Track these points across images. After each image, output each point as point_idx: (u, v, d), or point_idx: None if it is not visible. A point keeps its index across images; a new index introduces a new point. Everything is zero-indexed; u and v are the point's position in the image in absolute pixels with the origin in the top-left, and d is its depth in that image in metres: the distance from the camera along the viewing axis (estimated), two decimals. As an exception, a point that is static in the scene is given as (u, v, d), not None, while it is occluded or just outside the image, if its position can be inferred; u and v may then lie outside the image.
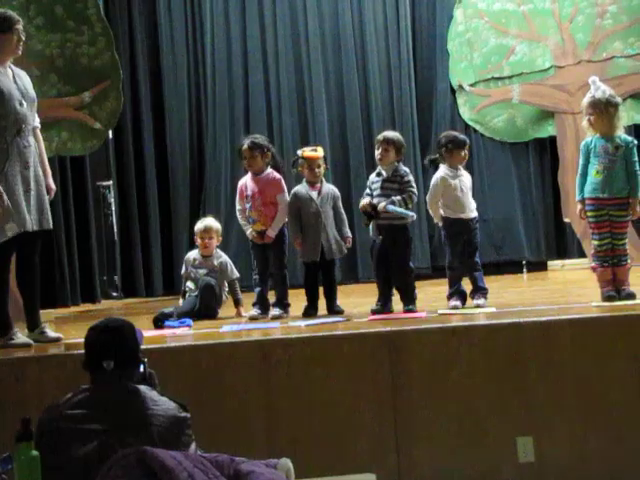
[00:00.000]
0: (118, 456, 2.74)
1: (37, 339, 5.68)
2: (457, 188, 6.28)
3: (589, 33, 8.81)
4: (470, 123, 8.91)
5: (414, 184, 6.27)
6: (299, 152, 6.57)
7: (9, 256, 5.65)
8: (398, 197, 6.11)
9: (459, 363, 5.14)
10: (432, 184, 6.32)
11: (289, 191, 6.46)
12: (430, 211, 6.44)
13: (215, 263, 6.86)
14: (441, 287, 6.53)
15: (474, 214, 6.32)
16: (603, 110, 5.91)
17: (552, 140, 9.00)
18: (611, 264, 5.92)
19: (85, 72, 7.85)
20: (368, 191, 6.28)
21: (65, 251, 8.34)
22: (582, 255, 8.60)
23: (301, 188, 6.42)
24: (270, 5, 9.27)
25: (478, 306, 6.13)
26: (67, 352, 5.29)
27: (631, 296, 5.81)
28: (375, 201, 6.13)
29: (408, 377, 5.12)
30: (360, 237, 7.97)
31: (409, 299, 6.15)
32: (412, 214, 6.17)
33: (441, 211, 6.30)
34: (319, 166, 6.40)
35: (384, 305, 6.17)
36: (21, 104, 5.55)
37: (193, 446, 3.41)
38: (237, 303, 6.84)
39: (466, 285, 6.28)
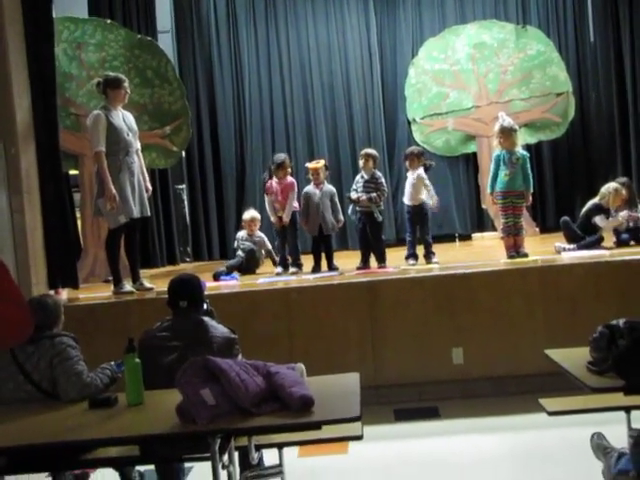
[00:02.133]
0: (190, 362, 2.75)
1: (138, 288, 5.72)
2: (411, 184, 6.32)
3: (497, 84, 8.74)
4: (420, 144, 8.83)
5: (385, 184, 6.27)
6: (307, 164, 6.59)
7: (121, 235, 5.69)
8: (374, 194, 6.10)
9: (413, 300, 5.18)
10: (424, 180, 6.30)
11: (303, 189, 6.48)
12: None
13: (256, 239, 6.87)
14: (402, 252, 6.54)
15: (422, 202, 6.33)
16: (508, 134, 5.92)
17: (474, 154, 8.96)
18: (513, 234, 5.93)
19: (166, 113, 7.81)
20: (354, 187, 6.26)
21: (156, 230, 8.34)
22: (494, 230, 8.58)
23: (310, 187, 6.41)
24: (287, 66, 9.22)
25: (428, 263, 6.15)
26: (157, 297, 5.33)
27: (525, 255, 5.85)
28: (359, 195, 6.14)
29: (380, 310, 5.16)
30: (350, 219, 7.94)
31: (381, 259, 6.16)
32: (380, 217, 6.13)
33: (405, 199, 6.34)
34: (319, 173, 6.37)
35: (365, 263, 6.18)
36: (127, 134, 5.58)
37: (240, 356, 3.44)
38: (274, 263, 6.77)
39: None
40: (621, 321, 2.84)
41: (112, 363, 3.37)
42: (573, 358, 3.08)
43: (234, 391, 2.66)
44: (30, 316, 1.90)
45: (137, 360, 2.99)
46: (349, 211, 6.45)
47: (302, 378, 2.90)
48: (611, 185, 6.42)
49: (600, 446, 3.18)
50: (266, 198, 6.52)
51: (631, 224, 6.36)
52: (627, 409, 3.28)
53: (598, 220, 6.26)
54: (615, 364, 2.59)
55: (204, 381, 2.69)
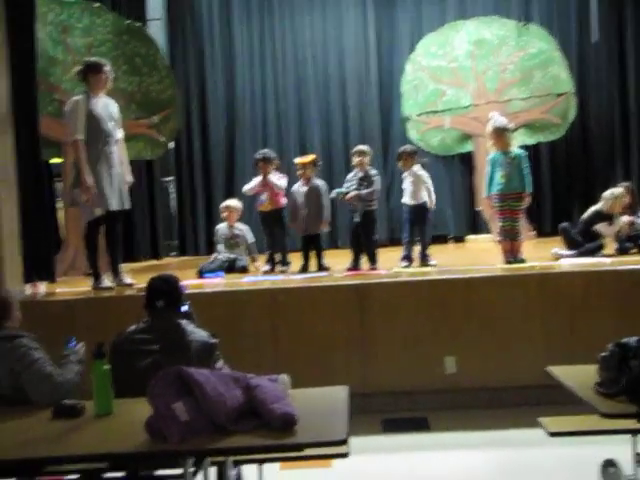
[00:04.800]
0: (163, 373, 2.51)
1: (117, 284, 5.49)
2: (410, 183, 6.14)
3: (496, 83, 8.55)
4: (416, 142, 8.62)
5: (378, 182, 6.03)
6: (295, 160, 6.38)
7: (99, 228, 5.47)
8: (364, 191, 5.89)
9: (405, 305, 4.97)
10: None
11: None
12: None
13: (236, 232, 6.59)
14: (395, 253, 6.33)
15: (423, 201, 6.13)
16: (501, 134, 5.78)
17: (470, 154, 8.77)
18: (510, 239, 5.74)
19: (154, 102, 7.57)
20: (347, 185, 6.02)
21: (140, 223, 8.13)
22: (488, 232, 8.39)
23: (296, 185, 6.16)
24: (281, 59, 9.02)
25: (424, 265, 5.94)
26: (137, 293, 5.08)
27: (523, 261, 5.66)
28: (348, 192, 5.93)
29: (371, 314, 4.95)
30: (341, 217, 7.75)
31: (372, 260, 5.94)
32: (357, 218, 5.90)
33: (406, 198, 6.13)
34: (306, 168, 6.10)
35: (356, 264, 5.96)
36: (108, 123, 5.31)
37: (221, 363, 3.23)
38: (253, 260, 6.53)
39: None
40: (633, 339, 2.62)
41: (68, 345, 3.14)
42: (578, 377, 2.87)
43: (209, 406, 2.43)
44: None
45: (106, 367, 2.75)
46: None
47: (286, 392, 2.67)
48: (614, 191, 6.23)
49: (610, 474, 2.96)
50: (248, 188, 6.28)
51: (632, 231, 6.18)
52: (634, 432, 3.08)
53: (601, 228, 6.07)
54: (628, 388, 2.37)
55: (177, 394, 2.46)
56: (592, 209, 6.26)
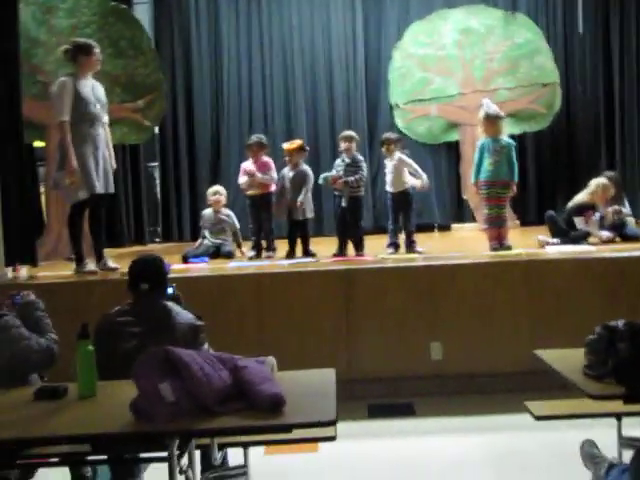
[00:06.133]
0: (148, 353, 2.47)
1: (101, 268, 5.43)
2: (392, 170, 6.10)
3: (483, 71, 8.53)
4: (402, 130, 8.59)
5: (365, 168, 6.00)
6: (283, 145, 6.33)
7: (83, 211, 5.40)
8: (351, 178, 5.85)
9: (391, 290, 4.96)
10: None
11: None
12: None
13: (222, 217, 6.54)
14: (381, 240, 6.30)
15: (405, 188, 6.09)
16: (493, 121, 5.75)
17: (456, 142, 8.74)
18: (496, 226, 5.74)
19: (139, 86, 7.47)
20: (334, 170, 5.98)
21: (124, 208, 8.06)
22: (474, 221, 8.39)
23: (285, 170, 6.13)
24: (268, 45, 8.92)
25: (410, 252, 5.92)
26: (121, 277, 5.02)
27: (509, 248, 5.66)
28: (336, 177, 5.89)
29: (357, 300, 4.93)
30: (326, 203, 7.71)
31: (359, 247, 5.91)
32: (345, 204, 5.85)
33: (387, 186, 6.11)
34: (293, 154, 6.06)
35: (342, 251, 5.93)
36: (95, 106, 5.24)
37: (206, 346, 3.19)
38: (239, 245, 6.48)
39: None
40: (620, 322, 2.61)
41: (16, 301, 3.19)
42: (565, 360, 2.86)
43: (196, 387, 2.39)
44: None
45: (90, 348, 2.70)
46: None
47: (272, 374, 2.64)
48: (599, 181, 6.22)
49: (591, 455, 2.97)
50: (240, 177, 6.25)
51: (617, 219, 6.19)
52: (618, 416, 3.08)
53: (579, 222, 6.05)
54: (616, 370, 2.36)
55: (163, 374, 2.42)
56: (576, 198, 6.25)
